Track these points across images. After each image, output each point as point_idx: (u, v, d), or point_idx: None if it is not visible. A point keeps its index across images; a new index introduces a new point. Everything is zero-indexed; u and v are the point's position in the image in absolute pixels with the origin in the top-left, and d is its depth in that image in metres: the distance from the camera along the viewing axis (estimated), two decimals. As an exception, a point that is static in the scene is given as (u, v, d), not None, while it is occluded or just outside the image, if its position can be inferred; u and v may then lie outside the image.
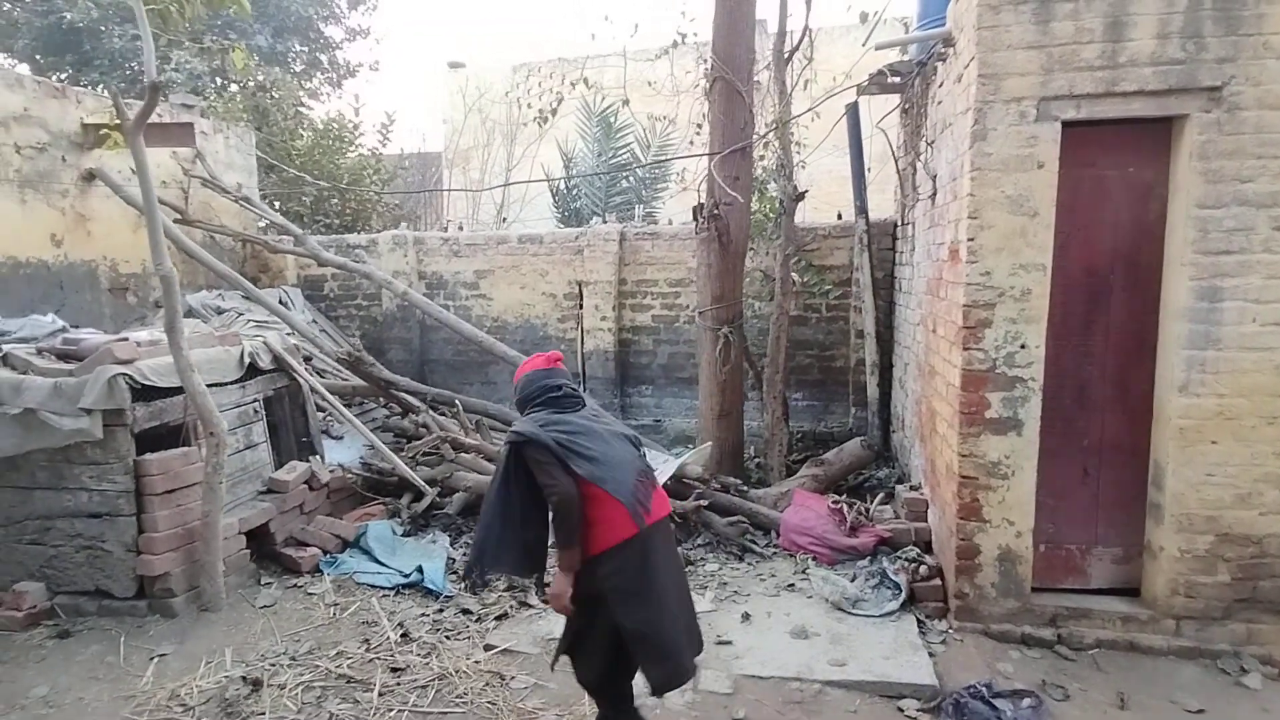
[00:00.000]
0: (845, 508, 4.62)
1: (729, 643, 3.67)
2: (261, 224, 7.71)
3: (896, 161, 5.39)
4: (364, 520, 5.11)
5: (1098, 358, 3.75)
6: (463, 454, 5.37)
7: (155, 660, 3.51)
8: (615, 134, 8.56)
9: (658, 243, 6.91)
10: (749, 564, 4.57)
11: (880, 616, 3.85)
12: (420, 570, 4.33)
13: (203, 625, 3.85)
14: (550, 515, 2.59)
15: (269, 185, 8.55)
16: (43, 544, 3.99)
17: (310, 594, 4.23)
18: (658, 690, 2.63)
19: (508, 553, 2.70)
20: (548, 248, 7.23)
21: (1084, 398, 3.78)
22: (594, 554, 2.55)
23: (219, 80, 11.25)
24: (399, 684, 3.33)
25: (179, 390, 4.21)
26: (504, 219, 9.49)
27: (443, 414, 6.12)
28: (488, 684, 3.34)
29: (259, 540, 4.57)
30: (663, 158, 6.65)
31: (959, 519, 3.73)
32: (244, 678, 3.34)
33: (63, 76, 11.83)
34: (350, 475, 5.42)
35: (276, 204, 8.86)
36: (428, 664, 3.48)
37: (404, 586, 4.30)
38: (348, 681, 3.35)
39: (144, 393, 3.98)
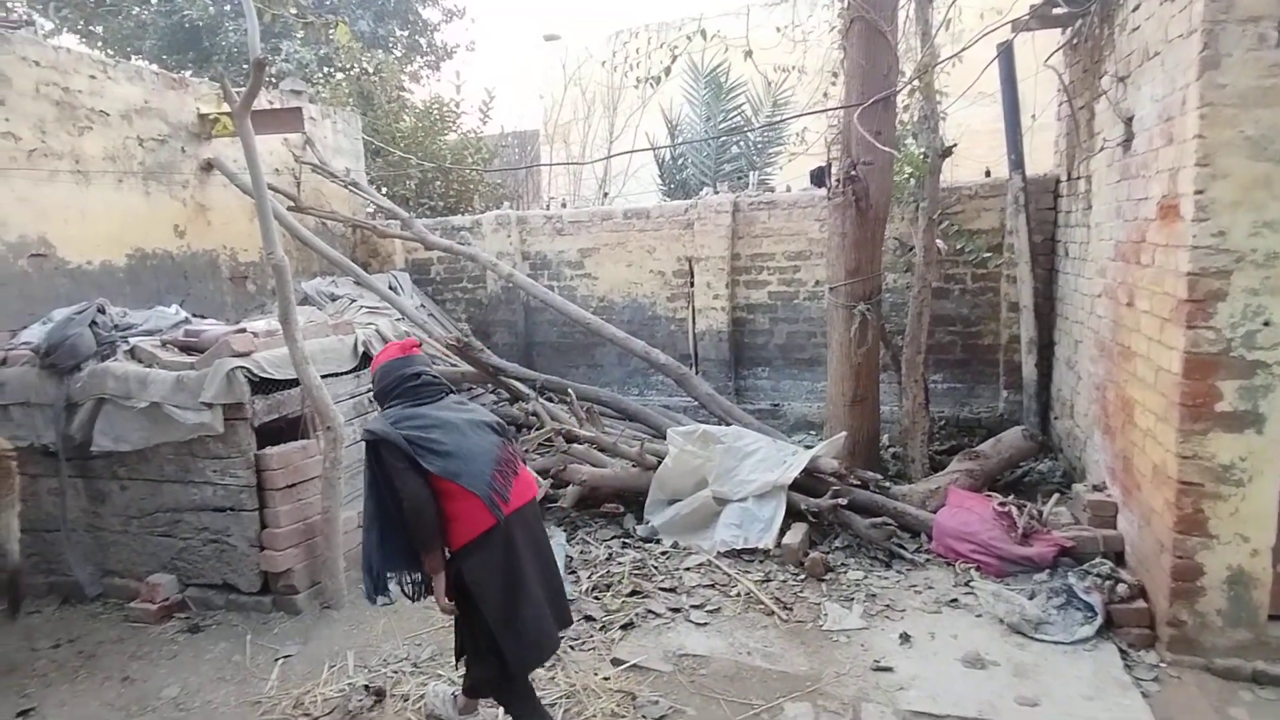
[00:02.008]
0: (1014, 510, 4.01)
1: (889, 669, 3.20)
2: (369, 209, 7.69)
3: (1070, 103, 4.60)
4: (478, 512, 4.93)
5: (1362, 336, 2.98)
6: (575, 445, 5.09)
7: (280, 662, 3.42)
8: (726, 95, 7.96)
9: (775, 212, 6.36)
10: (898, 572, 4.06)
11: (1071, 644, 3.27)
12: (539, 570, 4.08)
13: (325, 624, 3.74)
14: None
15: (374, 170, 8.55)
16: (172, 536, 4.00)
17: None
18: (519, 670, 2.63)
19: (395, 554, 2.59)
20: (655, 222, 6.81)
21: (1341, 385, 3.02)
22: (456, 549, 2.54)
23: (325, 69, 11.45)
24: (525, 701, 3.07)
25: (297, 382, 4.11)
26: (605, 194, 9.14)
27: (550, 399, 5.88)
28: (618, 706, 3.02)
29: (376, 533, 4.46)
30: (788, 115, 5.97)
31: (1177, 533, 3.08)
32: (367, 686, 3.17)
33: (187, 73, 12.37)
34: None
35: (382, 188, 8.87)
36: (553, 678, 3.21)
37: (523, 587, 4.06)
38: (472, 696, 3.12)
39: (263, 385, 3.89)
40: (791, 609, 3.70)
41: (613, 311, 7.04)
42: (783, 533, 4.29)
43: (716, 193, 6.68)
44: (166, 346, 4.06)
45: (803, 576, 4.02)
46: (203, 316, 4.95)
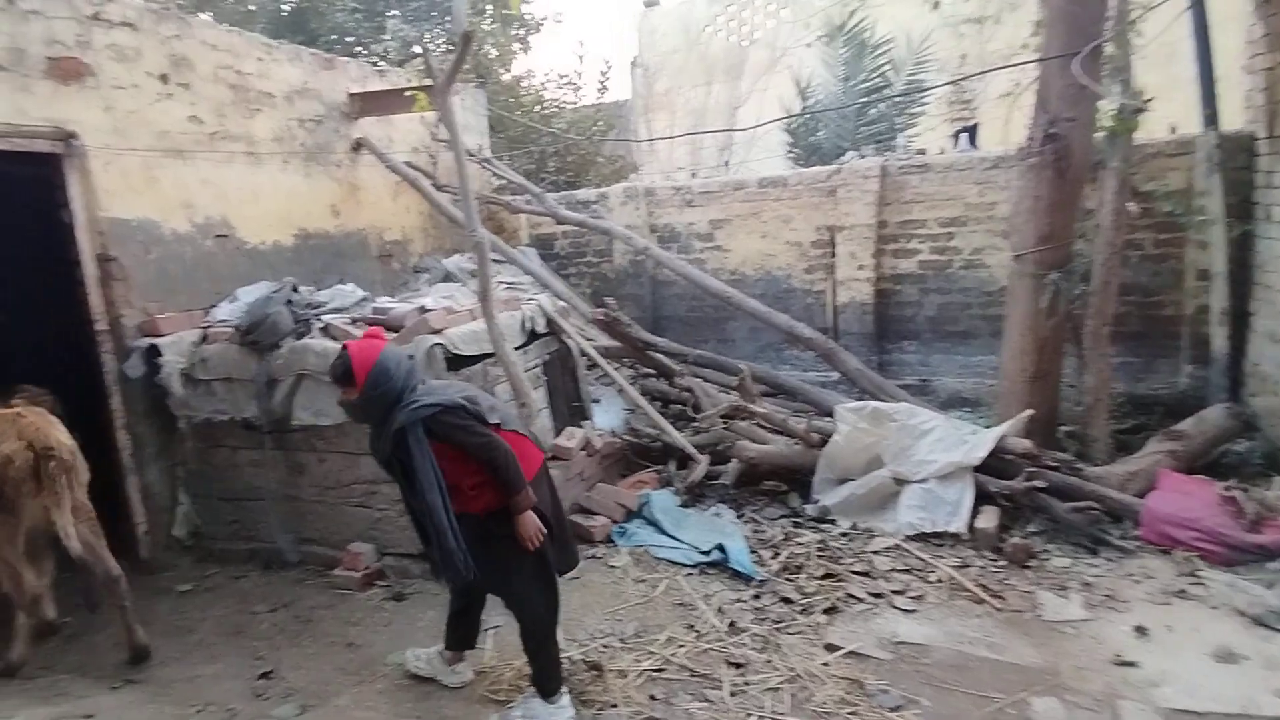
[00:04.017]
0: (1239, 495, 3.71)
1: (1133, 664, 3.01)
2: (494, 184, 7.72)
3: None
4: (637, 488, 4.92)
5: None
6: (737, 422, 5.00)
7: (491, 632, 3.47)
8: (870, 53, 7.55)
9: (927, 177, 6.03)
10: (1108, 560, 3.82)
11: (1338, 643, 3.00)
12: (721, 549, 4.02)
13: (521, 597, 3.79)
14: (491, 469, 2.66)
15: (496, 147, 8.58)
16: (368, 507, 4.12)
17: (612, 566, 4.07)
18: (563, 572, 2.97)
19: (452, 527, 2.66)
20: (792, 190, 6.58)
21: None
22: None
23: (429, 45, 11.53)
24: (747, 684, 3.03)
25: (479, 359, 4.15)
26: (726, 162, 8.92)
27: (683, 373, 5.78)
28: (846, 693, 2.94)
29: (547, 507, 4.50)
30: (979, 70, 5.48)
31: None
32: (584, 660, 3.20)
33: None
34: (619, 440, 5.26)
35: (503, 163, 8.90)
36: (769, 661, 3.15)
37: (705, 565, 4.03)
38: (691, 675, 3.10)
39: (452, 362, 3.94)
40: (1003, 598, 3.53)
41: (745, 285, 6.87)
42: (972, 516, 4.11)
43: (862, 157, 6.38)
44: (357, 324, 4.15)
45: (1003, 563, 3.84)
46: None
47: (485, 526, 2.73)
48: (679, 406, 5.72)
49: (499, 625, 3.53)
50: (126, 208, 4.30)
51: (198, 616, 3.87)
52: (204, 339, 4.30)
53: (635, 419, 5.64)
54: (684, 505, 4.74)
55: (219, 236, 4.85)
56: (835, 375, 6.16)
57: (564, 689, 2.87)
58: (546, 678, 2.84)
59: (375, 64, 9.50)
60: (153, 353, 4.23)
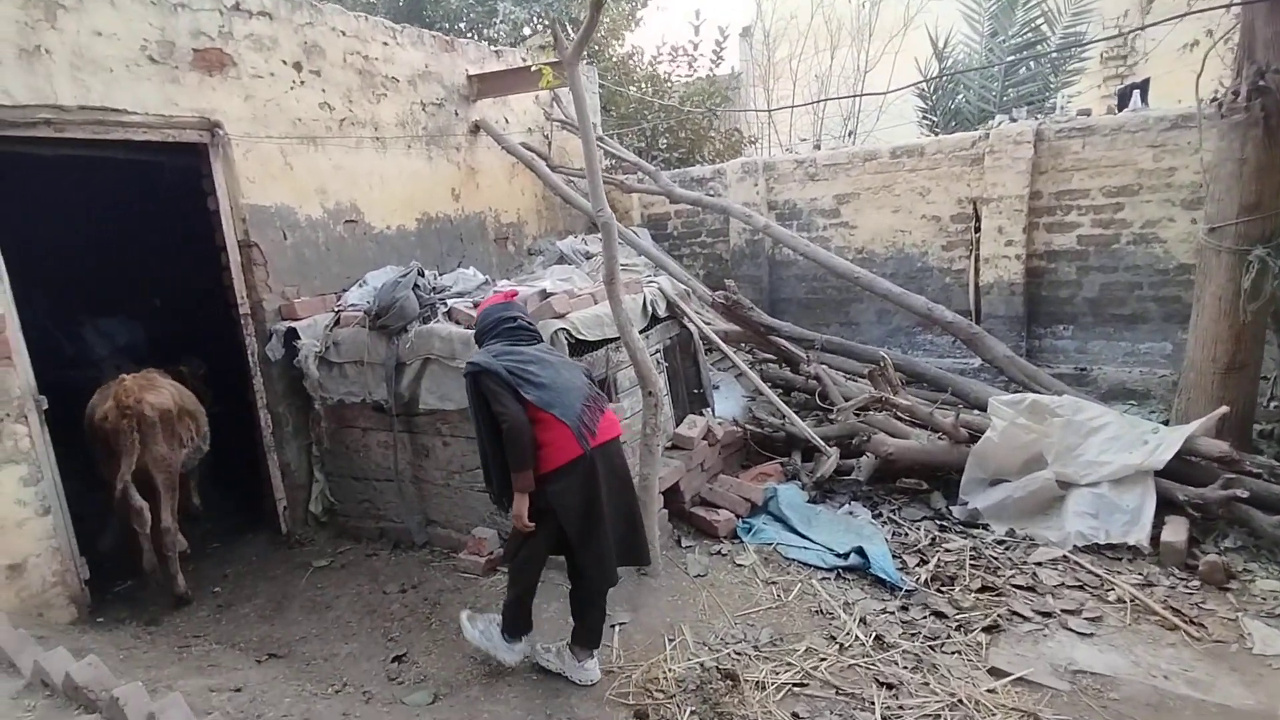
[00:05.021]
0: None
1: (1382, 719, 2.51)
2: (605, 164, 7.57)
3: None
4: (760, 480, 4.68)
5: None
6: (871, 414, 4.65)
7: (616, 629, 3.36)
8: (1022, 4, 6.78)
9: (1091, 140, 5.35)
10: (1329, 585, 3.25)
11: None
12: (861, 553, 3.72)
13: (647, 592, 3.65)
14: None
15: (606, 125, 8.43)
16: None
17: (739, 565, 3.87)
18: (596, 586, 2.98)
19: (492, 476, 2.90)
20: (930, 160, 6.03)
21: None
22: (544, 472, 2.77)
23: (538, 27, 11.53)
24: (901, 708, 2.75)
25: (601, 344, 4.02)
26: (850, 132, 8.37)
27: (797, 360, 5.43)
28: (1019, 726, 2.61)
29: (667, 499, 4.34)
30: (1176, 14, 4.64)
31: None
32: (718, 668, 3.02)
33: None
34: (740, 429, 5.02)
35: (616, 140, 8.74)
36: (925, 684, 2.86)
37: (842, 569, 3.74)
38: (837, 693, 2.85)
39: (574, 347, 3.82)
40: (1202, 625, 3.06)
41: (873, 264, 6.41)
42: (1154, 527, 3.61)
43: (1013, 120, 5.76)
44: (479, 308, 4.09)
45: (1196, 583, 3.34)
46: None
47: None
48: (802, 394, 5.41)
49: (624, 622, 3.42)
50: (265, 195, 4.43)
51: (334, 593, 3.97)
52: (336, 323, 4.39)
53: (756, 407, 5.39)
54: (812, 501, 4.47)
55: (348, 222, 4.94)
56: (975, 363, 5.67)
57: (524, 637, 3.05)
58: (507, 616, 3.04)
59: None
60: (291, 335, 4.37)
